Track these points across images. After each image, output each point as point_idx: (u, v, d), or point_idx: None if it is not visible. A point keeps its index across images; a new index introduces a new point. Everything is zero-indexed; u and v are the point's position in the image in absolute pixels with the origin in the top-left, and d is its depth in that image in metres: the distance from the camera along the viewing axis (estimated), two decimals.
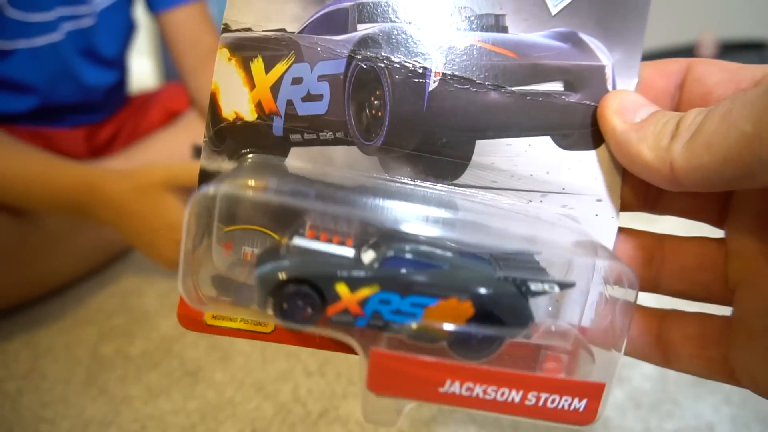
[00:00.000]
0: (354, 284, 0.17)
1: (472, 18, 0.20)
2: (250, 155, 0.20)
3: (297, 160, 0.20)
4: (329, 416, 0.50)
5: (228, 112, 0.20)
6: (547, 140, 0.21)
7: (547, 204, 0.20)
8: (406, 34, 0.20)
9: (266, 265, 0.17)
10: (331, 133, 0.20)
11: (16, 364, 0.60)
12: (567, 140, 0.21)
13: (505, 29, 0.21)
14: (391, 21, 0.20)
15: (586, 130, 0.21)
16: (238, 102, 0.20)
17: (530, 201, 0.20)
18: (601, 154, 0.21)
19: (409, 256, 0.17)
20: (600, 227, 0.20)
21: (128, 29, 0.92)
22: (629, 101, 0.20)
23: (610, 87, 0.21)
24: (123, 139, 0.97)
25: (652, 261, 0.21)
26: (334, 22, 0.20)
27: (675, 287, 0.21)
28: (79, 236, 0.76)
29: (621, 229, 0.21)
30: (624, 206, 0.21)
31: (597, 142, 0.21)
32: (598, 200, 0.21)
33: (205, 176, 0.20)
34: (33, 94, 0.80)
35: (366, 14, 0.20)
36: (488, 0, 0.20)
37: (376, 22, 0.20)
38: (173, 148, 0.91)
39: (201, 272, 0.18)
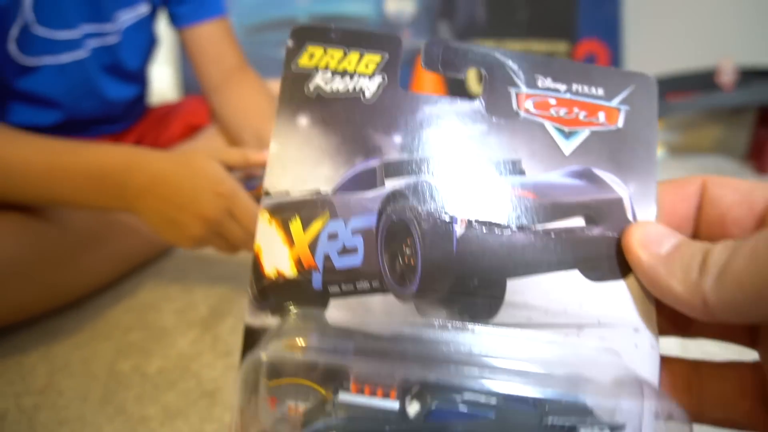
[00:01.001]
0: None
1: (490, 165, 0.22)
2: (291, 309, 0.21)
3: (336, 310, 0.21)
4: None
5: (270, 270, 0.21)
6: (576, 274, 0.21)
7: (585, 338, 0.21)
8: (430, 186, 0.21)
9: (315, 424, 0.18)
10: (367, 283, 0.21)
11: (32, 379, 0.60)
12: (595, 272, 0.21)
13: (522, 173, 0.22)
14: (416, 175, 0.22)
15: (612, 261, 0.21)
16: (279, 260, 0.21)
17: (567, 335, 0.21)
18: (630, 283, 0.21)
19: (453, 407, 0.18)
20: (640, 358, 0.21)
21: (151, 44, 0.93)
22: (653, 233, 0.20)
23: (630, 217, 0.22)
24: None
25: (691, 389, 0.21)
26: (364, 180, 0.21)
27: (718, 415, 0.21)
28: (103, 246, 0.75)
29: None
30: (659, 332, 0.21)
31: (625, 272, 0.21)
32: (635, 330, 0.21)
33: (251, 333, 0.21)
34: (57, 108, 0.80)
35: (392, 170, 0.22)
36: (503, 147, 0.22)
37: (402, 176, 0.22)
38: None
39: None
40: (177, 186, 0.59)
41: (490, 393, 0.18)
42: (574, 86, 0.23)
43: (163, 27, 0.97)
